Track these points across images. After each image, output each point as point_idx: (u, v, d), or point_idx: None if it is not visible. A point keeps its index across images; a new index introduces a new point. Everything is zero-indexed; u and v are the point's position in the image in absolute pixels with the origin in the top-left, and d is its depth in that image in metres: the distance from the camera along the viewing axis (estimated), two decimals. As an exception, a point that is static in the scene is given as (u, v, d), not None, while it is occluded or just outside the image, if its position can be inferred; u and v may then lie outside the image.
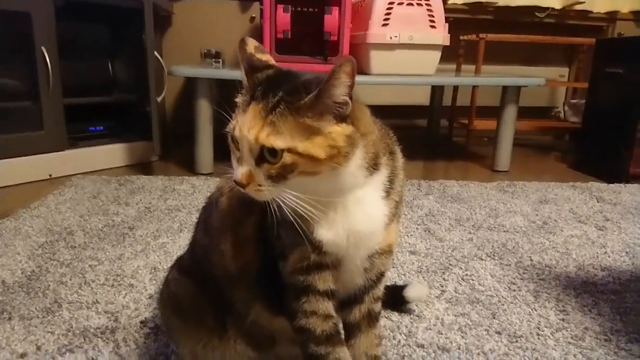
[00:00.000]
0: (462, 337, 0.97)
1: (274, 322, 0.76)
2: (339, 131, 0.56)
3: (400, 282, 1.17)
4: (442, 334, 0.97)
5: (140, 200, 1.74)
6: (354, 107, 0.57)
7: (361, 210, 0.63)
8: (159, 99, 2.12)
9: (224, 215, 0.77)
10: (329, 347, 0.68)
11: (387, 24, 2.14)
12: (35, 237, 1.39)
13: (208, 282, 0.77)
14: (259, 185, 0.57)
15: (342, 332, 0.73)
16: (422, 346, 0.93)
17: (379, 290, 0.74)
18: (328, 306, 0.69)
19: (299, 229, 0.62)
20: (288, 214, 0.61)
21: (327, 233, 0.63)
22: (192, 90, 2.10)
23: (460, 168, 2.55)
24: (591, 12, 3.12)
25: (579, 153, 2.62)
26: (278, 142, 0.54)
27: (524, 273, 1.26)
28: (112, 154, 2.22)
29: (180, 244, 1.37)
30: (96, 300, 1.07)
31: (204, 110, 2.08)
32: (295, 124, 0.55)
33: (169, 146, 2.39)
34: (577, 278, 1.25)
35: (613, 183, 2.18)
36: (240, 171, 0.57)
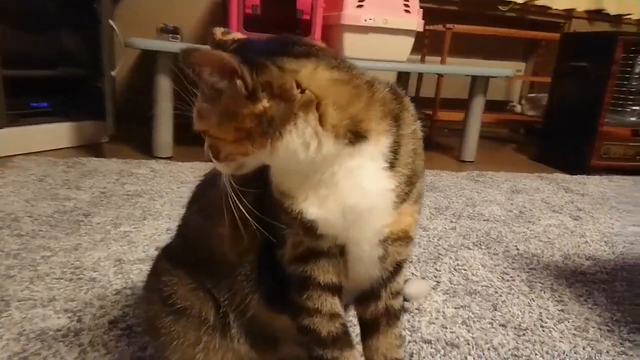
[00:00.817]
0: (468, 330, 0.91)
1: (276, 320, 0.65)
2: (246, 112, 0.50)
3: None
4: (446, 328, 0.91)
5: (94, 184, 1.57)
6: (277, 80, 0.49)
7: (352, 182, 0.53)
8: (113, 74, 1.92)
9: (221, 195, 0.66)
10: (336, 350, 0.59)
11: (362, 6, 2.06)
12: (-28, 224, 1.20)
13: (206, 272, 0.66)
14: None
15: (358, 330, 0.64)
16: (429, 342, 0.86)
17: (398, 284, 0.66)
18: (333, 303, 0.60)
19: (286, 207, 0.55)
20: (274, 191, 0.56)
21: (317, 211, 0.54)
22: (151, 66, 1.92)
23: (425, 158, 2.52)
24: (550, 8, 3.19)
25: (540, 145, 2.66)
26: (196, 125, 0.54)
27: (513, 262, 1.23)
28: (58, 133, 2.00)
29: (145, 232, 1.23)
30: (53, 297, 0.91)
31: (164, 87, 1.91)
32: (214, 107, 0.52)
33: (121, 126, 2.19)
34: (566, 267, 1.23)
35: (576, 175, 2.22)
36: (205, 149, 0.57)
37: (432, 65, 2.52)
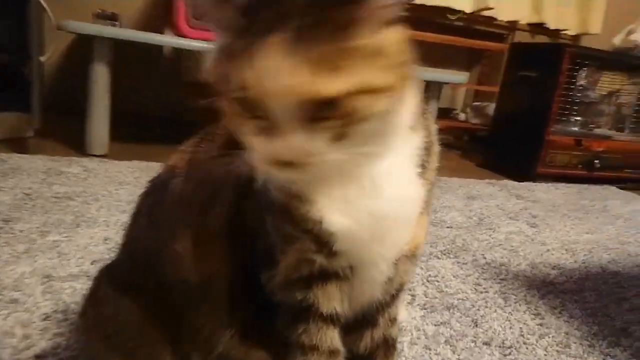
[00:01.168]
0: (453, 351, 0.83)
1: (252, 358, 0.54)
2: (392, 38, 0.38)
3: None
4: (430, 349, 0.83)
5: (17, 184, 1.36)
6: None
7: (392, 186, 0.44)
8: (43, 59, 1.70)
9: (179, 203, 0.54)
10: None
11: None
12: None
13: (160, 298, 0.53)
14: (315, 157, 0.36)
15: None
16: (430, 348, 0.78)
17: (396, 308, 0.57)
18: (333, 337, 0.50)
19: (297, 214, 0.43)
20: (279, 193, 0.43)
21: (341, 220, 0.43)
22: (87, 52, 1.71)
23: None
24: (496, 19, 3.27)
25: (486, 152, 2.70)
26: (338, 84, 0.34)
27: (483, 272, 1.18)
28: (-29, 125, 1.74)
29: (79, 242, 1.06)
30: (-40, 324, 0.74)
31: (101, 77, 1.71)
32: (342, 47, 0.35)
33: (50, 119, 1.96)
34: (535, 277, 1.20)
35: (523, 182, 2.26)
36: (282, 146, 0.36)
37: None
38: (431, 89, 2.27)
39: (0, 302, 0.81)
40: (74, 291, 0.86)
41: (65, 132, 1.95)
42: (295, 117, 0.35)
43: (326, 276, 0.48)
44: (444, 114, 3.58)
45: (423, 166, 0.46)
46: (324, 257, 0.45)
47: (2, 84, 1.86)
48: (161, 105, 2.48)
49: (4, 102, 1.82)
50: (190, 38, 1.80)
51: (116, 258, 0.61)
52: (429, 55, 3.27)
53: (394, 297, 0.55)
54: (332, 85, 0.34)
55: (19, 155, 1.62)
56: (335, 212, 0.43)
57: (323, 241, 0.44)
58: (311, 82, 0.34)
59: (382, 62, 0.36)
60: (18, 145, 1.78)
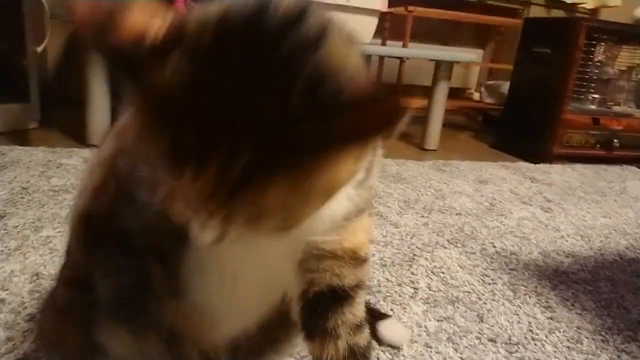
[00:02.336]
0: (456, 349, 0.79)
1: None
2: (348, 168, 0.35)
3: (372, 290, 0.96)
4: (431, 347, 0.79)
5: (15, 178, 1.34)
6: None
7: None
8: (39, 50, 1.67)
9: None
10: None
11: (322, -19, 1.89)
12: None
13: None
14: None
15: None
16: (415, 366, 0.74)
17: (353, 315, 0.51)
18: None
19: None
20: None
21: None
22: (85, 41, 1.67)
23: (385, 146, 2.41)
24: (510, -7, 3.14)
25: (499, 133, 2.61)
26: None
27: (492, 262, 1.13)
28: (-27, 118, 1.73)
29: (73, 236, 1.03)
30: (-57, 327, 0.72)
31: (99, 66, 1.68)
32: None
33: (51, 110, 1.93)
34: (547, 267, 1.14)
35: (538, 163, 2.18)
36: None
37: (395, 48, 2.40)
38: (441, 69, 2.19)
39: (-14, 302, 0.79)
40: (63, 290, 0.84)
41: (67, 123, 1.93)
42: None
43: None
44: (457, 94, 3.48)
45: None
46: None
47: (1, 74, 1.84)
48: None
49: (4, 94, 1.80)
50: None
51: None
52: (440, 32, 3.17)
53: (344, 303, 0.49)
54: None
55: (20, 147, 1.60)
56: None
57: None
58: None
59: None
60: (20, 137, 1.77)
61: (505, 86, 2.84)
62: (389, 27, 2.85)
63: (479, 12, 2.93)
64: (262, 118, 0.28)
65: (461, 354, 0.78)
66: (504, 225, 1.38)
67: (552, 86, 2.24)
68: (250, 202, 0.29)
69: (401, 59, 2.67)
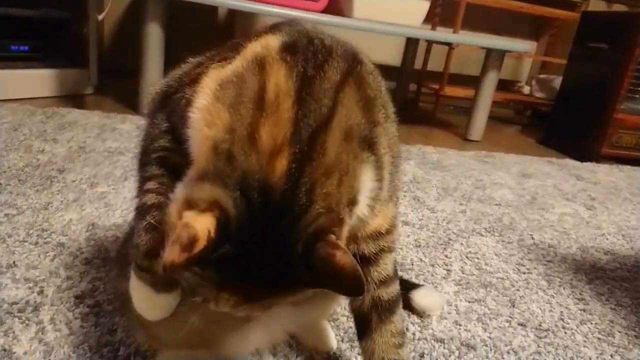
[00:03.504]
0: (485, 329, 0.81)
1: None
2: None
3: (405, 267, 0.99)
4: (460, 325, 0.81)
5: (72, 137, 1.42)
6: None
7: None
8: (100, 18, 1.75)
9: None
10: None
11: (376, -38, 1.89)
12: None
13: None
14: None
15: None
16: (442, 341, 0.76)
17: (379, 272, 0.54)
18: None
19: None
20: None
21: None
22: (140, 12, 1.74)
23: (426, 135, 2.39)
24: (570, -15, 3.02)
25: (548, 129, 2.55)
26: None
27: (529, 253, 1.13)
28: (38, 80, 1.83)
29: (125, 195, 1.10)
30: (13, 262, 0.79)
31: (154, 37, 1.74)
32: None
33: (106, 77, 2.02)
34: (584, 261, 1.13)
35: (585, 162, 2.12)
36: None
37: (446, 34, 2.36)
38: (492, 58, 2.14)
39: (49, 244, 0.86)
40: (116, 239, 0.90)
41: (121, 90, 2.02)
42: None
43: None
44: (506, 86, 3.40)
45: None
46: None
47: (64, 41, 1.94)
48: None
49: (65, 59, 1.90)
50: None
51: None
52: (493, 21, 3.09)
53: (368, 264, 0.53)
54: None
55: (78, 110, 1.70)
56: None
57: None
58: None
59: None
60: (77, 101, 1.87)
61: (557, 81, 2.76)
62: (440, 12, 2.81)
63: (536, 3, 2.84)
64: (275, 266, 0.40)
65: (490, 333, 0.79)
66: (544, 218, 1.36)
67: (606, 84, 2.16)
68: (264, 307, 0.43)
69: (450, 46, 2.63)
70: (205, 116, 0.42)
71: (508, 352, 0.76)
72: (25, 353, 0.61)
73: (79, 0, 1.75)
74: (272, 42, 0.45)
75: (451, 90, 2.74)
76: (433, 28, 2.85)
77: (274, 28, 0.49)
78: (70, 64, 1.91)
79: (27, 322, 0.66)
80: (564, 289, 0.99)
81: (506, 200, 1.46)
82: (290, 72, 0.42)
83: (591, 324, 0.87)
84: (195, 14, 2.25)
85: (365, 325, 0.56)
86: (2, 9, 1.73)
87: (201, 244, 0.36)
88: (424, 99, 3.05)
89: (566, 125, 2.38)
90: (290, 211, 0.39)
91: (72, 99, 1.88)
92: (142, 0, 1.73)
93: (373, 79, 0.49)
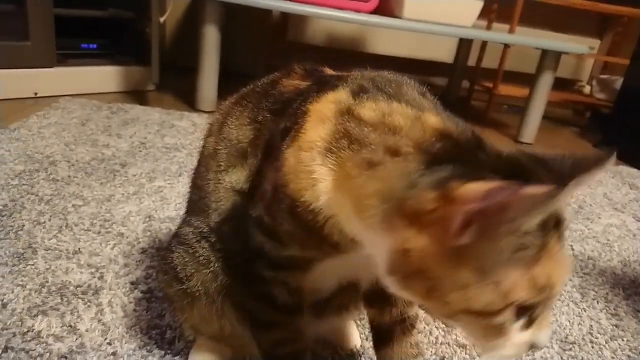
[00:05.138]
0: (508, 338, 0.83)
1: None
2: None
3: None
4: (484, 331, 0.83)
5: (135, 133, 1.55)
6: None
7: None
8: (162, 20, 1.87)
9: (208, 160, 0.60)
10: None
11: (428, -38, 1.88)
12: (12, 163, 1.20)
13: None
14: None
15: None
16: (464, 347, 0.79)
17: None
18: None
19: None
20: None
21: None
22: (198, 14, 1.84)
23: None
24: (638, -21, 2.85)
25: (606, 132, 2.45)
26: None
27: (565, 264, 1.12)
28: (105, 76, 1.98)
29: (179, 189, 1.19)
30: (78, 249, 0.90)
31: (211, 38, 1.84)
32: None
33: (166, 75, 2.15)
34: (624, 276, 1.11)
35: (642, 169, 2.03)
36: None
37: (499, 34, 2.31)
38: (547, 58, 2.09)
39: (110, 234, 0.96)
40: (169, 231, 0.99)
41: (180, 88, 2.14)
42: None
43: None
44: (566, 85, 3.27)
45: None
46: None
47: (128, 40, 2.08)
48: (268, 67, 2.59)
49: (129, 57, 2.05)
50: (297, 2, 1.84)
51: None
52: (553, 17, 2.98)
53: None
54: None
55: (140, 106, 1.83)
56: None
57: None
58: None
59: None
60: (140, 97, 2.01)
61: (619, 82, 2.64)
62: (496, 8, 2.74)
63: (599, 0, 2.71)
64: None
65: (513, 343, 0.82)
66: (588, 229, 1.34)
67: (673, 87, 2.05)
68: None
69: (506, 44, 2.57)
70: None
71: (529, 362, 0.78)
72: (87, 330, 0.71)
73: (143, 1, 1.87)
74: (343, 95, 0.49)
75: (505, 89, 2.68)
76: (489, 24, 2.79)
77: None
78: (134, 61, 2.05)
79: (89, 303, 0.76)
80: (597, 302, 0.98)
81: (550, 208, 1.44)
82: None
83: (622, 340, 0.87)
84: (249, 16, 2.34)
85: (385, 335, 0.61)
86: (73, 10, 1.89)
87: None
88: (476, 97, 3.00)
89: (625, 129, 2.28)
90: None
91: (136, 94, 2.03)
92: (200, 2, 1.83)
93: None
